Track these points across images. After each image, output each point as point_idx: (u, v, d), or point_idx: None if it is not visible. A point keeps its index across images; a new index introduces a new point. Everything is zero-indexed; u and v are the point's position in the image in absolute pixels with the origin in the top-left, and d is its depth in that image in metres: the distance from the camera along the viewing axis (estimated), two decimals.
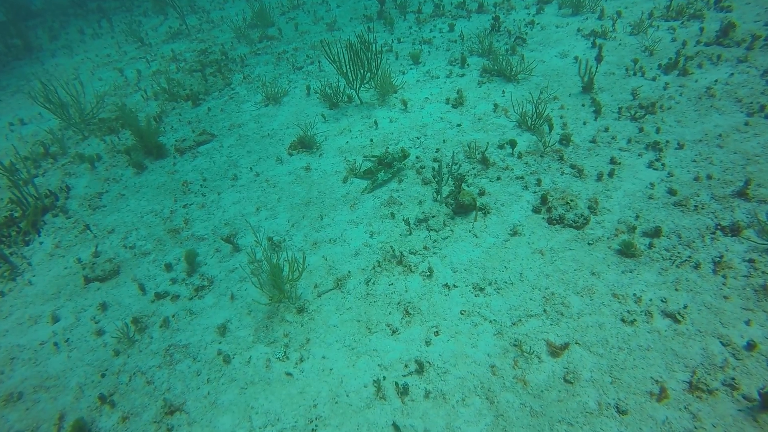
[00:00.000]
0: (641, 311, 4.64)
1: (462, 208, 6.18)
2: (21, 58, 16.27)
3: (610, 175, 6.32)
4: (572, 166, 6.60)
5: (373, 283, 5.61)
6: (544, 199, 6.07)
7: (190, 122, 9.99)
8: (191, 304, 5.92)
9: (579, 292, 4.99)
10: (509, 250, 5.65)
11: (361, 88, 9.12)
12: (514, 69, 8.88)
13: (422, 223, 6.20)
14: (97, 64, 14.18)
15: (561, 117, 7.69)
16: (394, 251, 5.86)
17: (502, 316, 4.94)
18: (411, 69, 10.19)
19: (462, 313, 5.06)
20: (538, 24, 10.87)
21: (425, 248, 5.88)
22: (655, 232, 5.35)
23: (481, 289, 5.25)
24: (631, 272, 5.09)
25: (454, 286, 5.36)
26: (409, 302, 5.29)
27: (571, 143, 7.05)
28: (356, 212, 6.69)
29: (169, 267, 6.44)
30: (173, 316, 5.79)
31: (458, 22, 11.90)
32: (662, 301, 4.69)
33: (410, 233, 6.11)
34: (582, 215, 5.72)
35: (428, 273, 5.54)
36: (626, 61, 8.71)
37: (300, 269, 5.62)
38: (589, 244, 5.51)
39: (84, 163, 9.13)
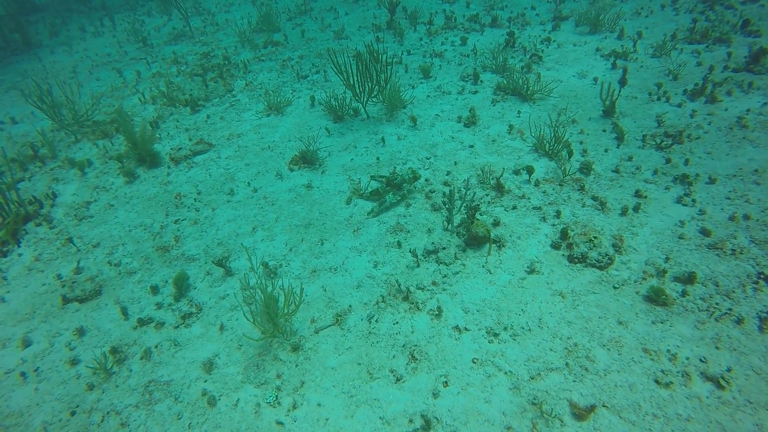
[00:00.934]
0: (677, 372, 4.15)
1: (475, 240, 5.70)
2: (19, 53, 15.82)
3: (636, 209, 5.85)
4: (594, 198, 6.14)
5: (377, 321, 5.12)
6: (564, 234, 5.60)
7: (187, 129, 9.52)
8: (177, 333, 5.42)
9: (605, 344, 4.50)
10: (526, 290, 5.16)
11: (369, 102, 8.67)
12: (530, 88, 8.44)
13: (431, 254, 5.72)
14: (96, 63, 13.73)
15: (581, 142, 7.24)
16: (399, 285, 5.37)
17: (519, 368, 4.45)
18: (421, 83, 9.74)
19: (474, 362, 4.56)
20: (554, 41, 10.45)
21: (434, 284, 5.39)
22: (689, 278, 4.87)
23: (496, 335, 4.76)
24: (662, 323, 4.60)
25: (466, 329, 4.87)
26: (416, 345, 4.79)
27: (592, 172, 6.59)
28: (360, 238, 6.21)
29: (155, 290, 5.94)
30: (156, 347, 5.28)
31: (471, 35, 11.48)
32: (701, 360, 4.20)
33: (418, 265, 5.63)
34: (606, 254, 5.24)
35: (437, 312, 5.05)
36: (649, 84, 8.27)
37: (297, 302, 5.13)
38: (614, 287, 5.02)
39: (73, 169, 8.65)
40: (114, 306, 5.85)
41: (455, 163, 7.25)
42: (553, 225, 5.91)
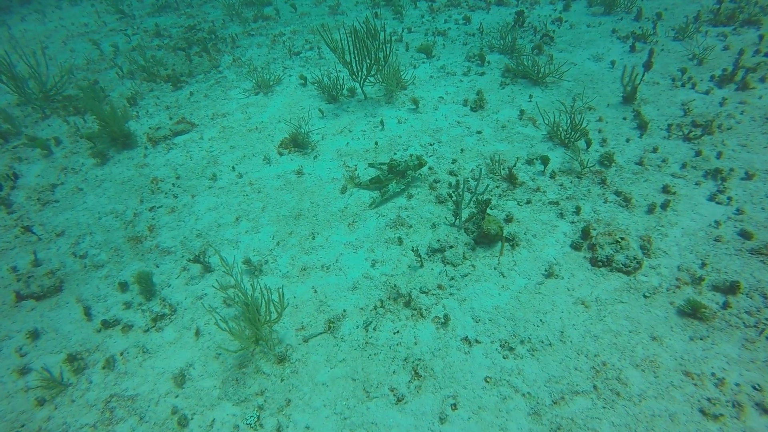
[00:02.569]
0: (727, 401, 3.57)
1: (485, 238, 5.07)
2: None
3: (664, 207, 5.24)
4: (617, 193, 5.51)
5: (374, 329, 4.48)
6: (585, 233, 4.98)
7: (168, 107, 8.73)
8: (146, 338, 4.75)
9: (638, 364, 3.91)
10: (545, 297, 4.54)
11: (366, 82, 7.94)
12: (542, 71, 7.75)
13: (436, 253, 5.08)
14: (71, 34, 12.77)
15: (599, 131, 6.59)
16: (400, 289, 4.73)
17: (539, 390, 3.85)
18: (423, 63, 9.01)
19: (487, 381, 3.95)
20: (566, 22, 9.74)
21: (440, 287, 4.76)
22: (731, 288, 4.28)
23: (512, 349, 4.15)
24: (702, 340, 4.01)
25: (477, 341, 4.25)
26: (420, 359, 4.17)
27: (613, 164, 5.96)
28: (355, 232, 5.55)
29: (123, 286, 5.25)
30: (121, 354, 4.62)
31: (475, 13, 10.72)
32: (755, 388, 3.62)
33: (421, 266, 4.99)
34: (635, 258, 4.63)
35: (443, 321, 4.43)
36: (672, 69, 7.63)
37: (279, 309, 4.47)
38: (645, 296, 4.42)
39: (37, 148, 7.85)
40: (76, 305, 5.16)
41: (462, 150, 6.59)
42: (572, 222, 5.29)
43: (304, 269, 5.22)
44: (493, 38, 9.31)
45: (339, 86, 8.05)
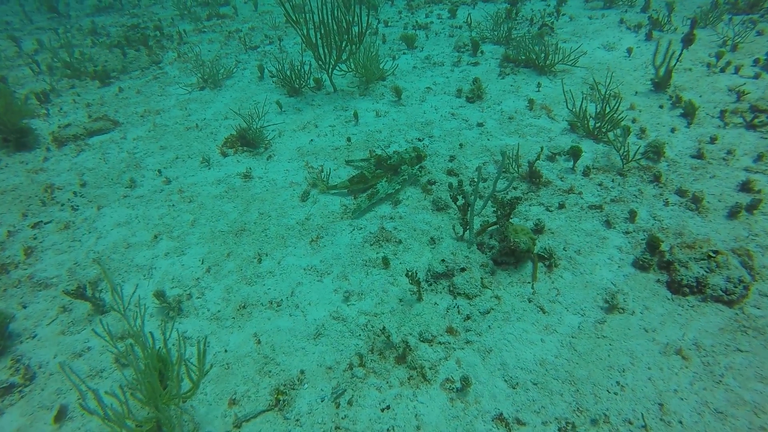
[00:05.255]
0: None
1: (510, 256, 3.48)
2: None
3: (751, 209, 3.78)
4: (680, 193, 4.04)
5: (349, 403, 2.77)
6: (652, 246, 3.45)
7: (89, 105, 6.99)
8: None
9: None
10: (614, 343, 2.94)
11: (337, 72, 6.42)
12: (550, 59, 6.40)
13: (441, 280, 3.45)
14: None
15: (634, 121, 5.19)
16: (390, 335, 3.05)
17: None
18: (404, 54, 7.58)
19: None
20: (564, 14, 8.53)
21: (450, 331, 3.10)
22: None
23: None
24: None
25: (519, 421, 2.59)
26: None
27: (663, 157, 4.51)
28: (321, 252, 3.88)
29: None
30: None
31: (461, 9, 9.45)
32: None
33: (419, 299, 3.34)
34: (740, 280, 3.10)
35: (460, 386, 2.76)
36: (700, 56, 6.38)
37: (198, 372, 2.72)
38: None
39: None
40: None
41: (461, 145, 5.06)
42: (627, 233, 3.76)
43: (244, 307, 3.50)
44: (484, 30, 7.98)
45: (303, 76, 6.50)
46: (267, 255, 3.94)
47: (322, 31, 5.89)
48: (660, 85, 5.65)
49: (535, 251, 3.50)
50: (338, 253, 3.84)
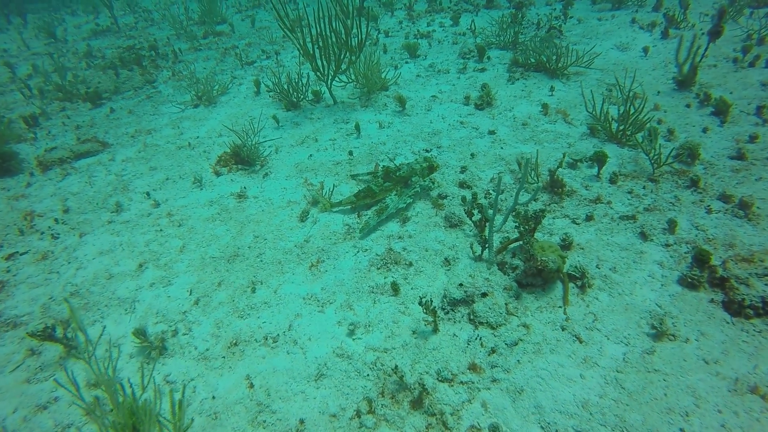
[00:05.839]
0: None
1: (536, 277, 3.05)
2: None
3: None
4: (724, 198, 3.60)
5: None
6: (700, 261, 3.00)
7: (78, 127, 6.67)
8: None
9: None
10: (668, 378, 2.48)
11: (336, 83, 6.08)
12: (562, 61, 6.02)
13: (459, 307, 3.01)
14: None
15: (659, 122, 4.78)
16: (403, 375, 2.61)
17: None
18: (407, 63, 7.24)
19: None
20: (572, 17, 8.19)
21: (474, 368, 2.66)
22: None
23: None
24: None
25: None
26: None
27: (698, 160, 4.08)
28: (322, 279, 3.46)
29: None
30: None
31: (463, 16, 9.14)
32: None
33: (435, 330, 2.90)
34: None
35: None
36: (724, 51, 5.97)
37: (175, 428, 2.29)
38: None
39: None
40: None
41: (472, 155, 4.65)
42: (667, 245, 3.31)
43: (235, 344, 3.07)
44: (489, 36, 7.64)
45: (301, 89, 6.15)
46: (262, 283, 3.52)
47: (320, 44, 5.56)
48: (684, 83, 5.25)
49: (564, 270, 3.07)
50: (341, 279, 3.42)
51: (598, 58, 6.33)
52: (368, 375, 2.72)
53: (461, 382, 2.61)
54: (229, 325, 3.24)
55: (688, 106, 4.98)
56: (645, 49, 6.35)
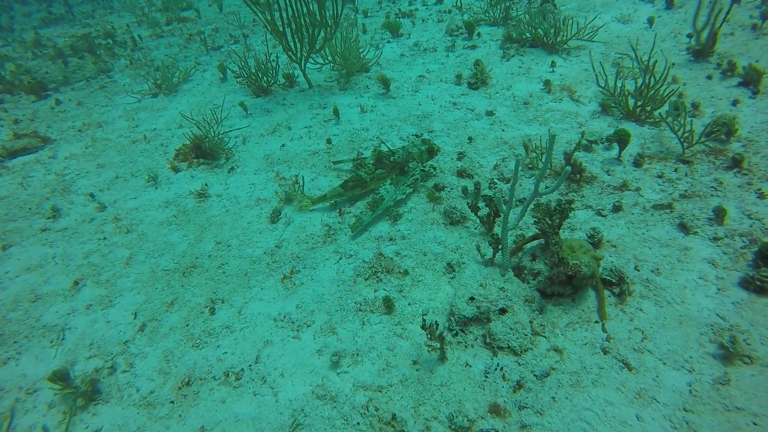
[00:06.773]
0: None
1: (565, 285, 2.43)
2: None
3: None
4: None
5: None
6: (765, 256, 2.41)
7: (16, 121, 5.87)
8: None
9: None
10: (759, 420, 1.88)
11: (311, 64, 5.38)
12: (561, 35, 5.42)
13: (471, 327, 2.38)
14: None
15: (680, 96, 4.20)
16: (403, 424, 1.97)
17: None
18: (389, 43, 6.56)
19: None
20: None
21: (496, 411, 2.03)
22: None
23: None
24: None
25: None
26: None
27: (734, 137, 3.51)
28: (297, 294, 2.79)
29: None
30: None
31: None
32: None
33: (443, 359, 2.26)
34: None
35: None
36: (739, 18, 5.44)
37: None
38: None
39: None
40: None
41: (469, 139, 4.02)
42: (716, 238, 2.73)
43: (188, 383, 2.40)
44: (478, 12, 7.00)
45: (271, 72, 5.44)
46: (223, 301, 2.84)
47: (293, 26, 4.86)
48: (702, 52, 4.69)
49: (599, 275, 2.46)
50: (321, 294, 2.75)
51: (600, 31, 5.74)
52: (359, 424, 2.08)
53: (482, 430, 1.98)
54: (181, 357, 2.56)
55: (709, 77, 4.41)
56: (650, 20, 5.79)
